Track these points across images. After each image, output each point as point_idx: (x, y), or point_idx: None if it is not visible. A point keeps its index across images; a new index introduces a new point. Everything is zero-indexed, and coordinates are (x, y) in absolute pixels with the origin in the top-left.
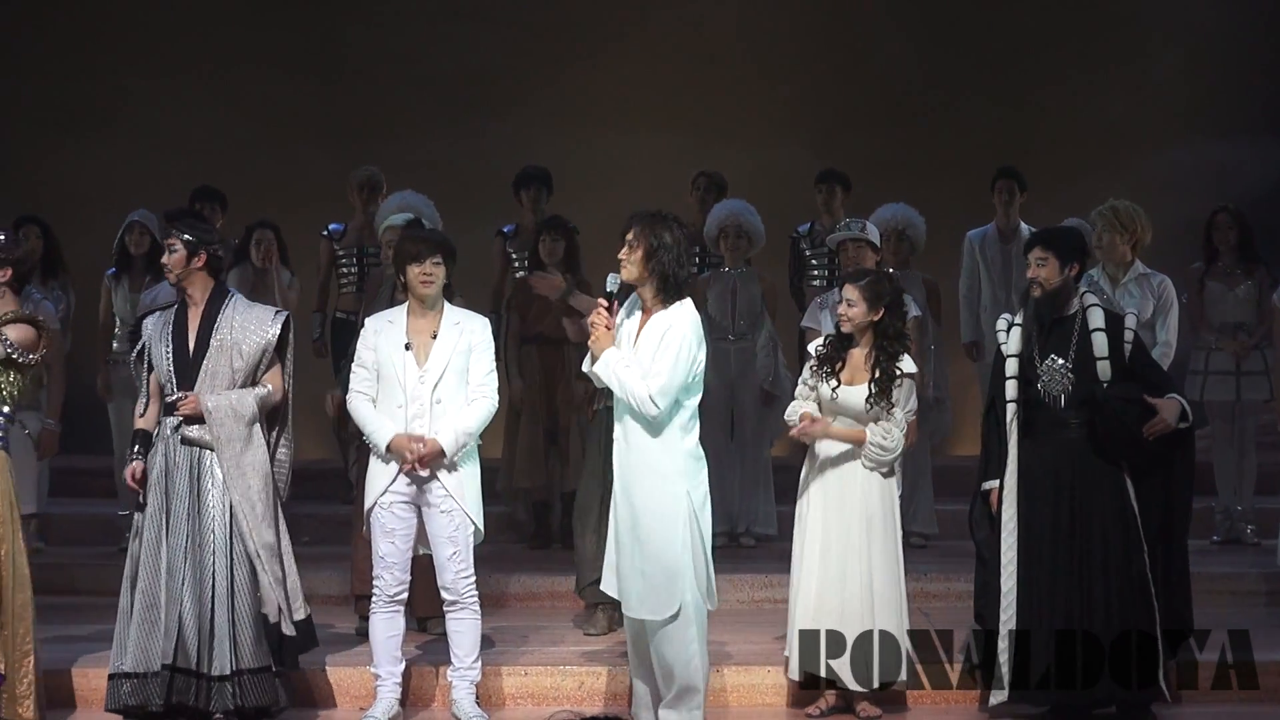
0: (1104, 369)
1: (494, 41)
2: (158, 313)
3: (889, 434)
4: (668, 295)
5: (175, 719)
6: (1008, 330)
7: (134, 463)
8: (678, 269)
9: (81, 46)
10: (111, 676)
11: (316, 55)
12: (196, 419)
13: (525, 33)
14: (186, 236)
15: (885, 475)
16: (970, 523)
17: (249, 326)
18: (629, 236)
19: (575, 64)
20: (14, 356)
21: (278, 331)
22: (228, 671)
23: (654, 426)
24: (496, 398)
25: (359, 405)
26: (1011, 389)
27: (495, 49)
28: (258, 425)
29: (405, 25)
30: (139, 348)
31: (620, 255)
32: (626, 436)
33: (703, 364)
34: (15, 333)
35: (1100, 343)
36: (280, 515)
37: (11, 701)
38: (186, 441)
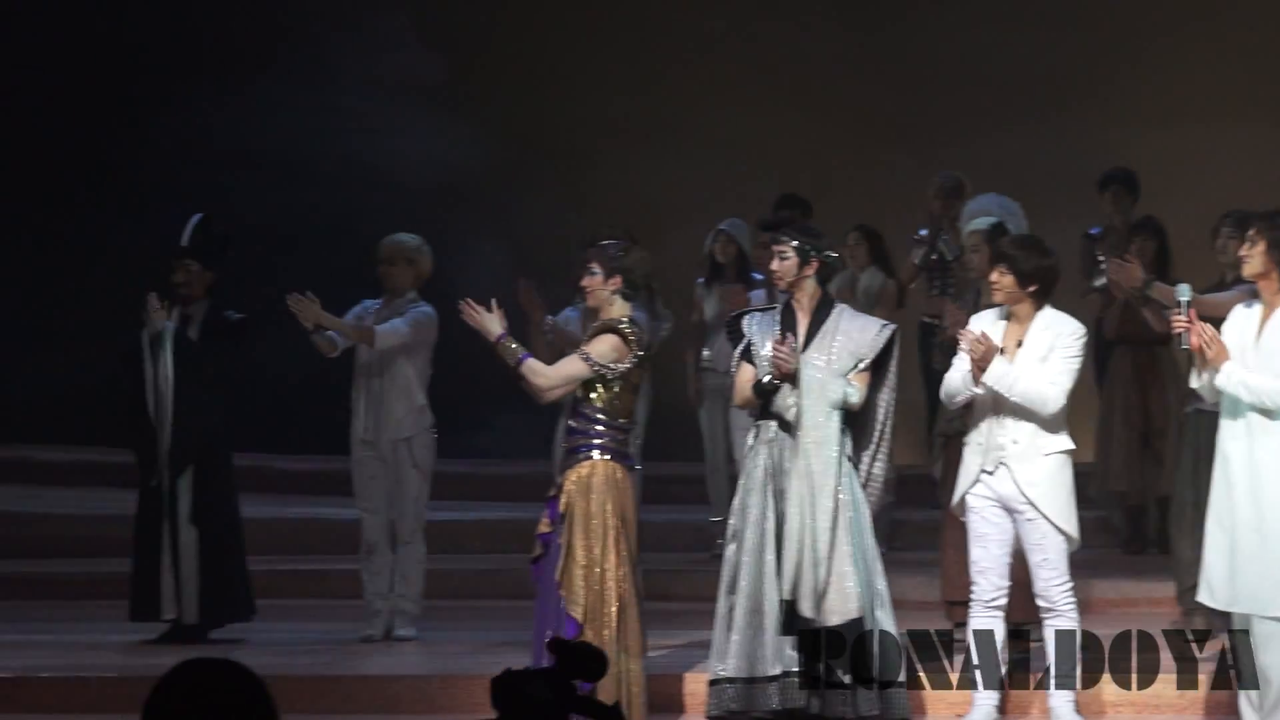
0: None
1: (1072, 40)
2: (759, 312)
3: None
4: None
5: None
6: None
7: None
8: None
9: (638, 60)
10: (713, 682)
11: (896, 56)
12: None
13: (1106, 29)
14: (797, 243)
15: None
16: None
17: (859, 339)
18: (1250, 233)
19: (1156, 58)
20: (601, 373)
21: (880, 344)
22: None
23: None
24: (1061, 398)
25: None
26: None
27: (1074, 47)
28: (837, 416)
29: (984, 24)
30: (742, 346)
31: (1241, 253)
32: (1247, 435)
33: None
34: (597, 346)
35: None
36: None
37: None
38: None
